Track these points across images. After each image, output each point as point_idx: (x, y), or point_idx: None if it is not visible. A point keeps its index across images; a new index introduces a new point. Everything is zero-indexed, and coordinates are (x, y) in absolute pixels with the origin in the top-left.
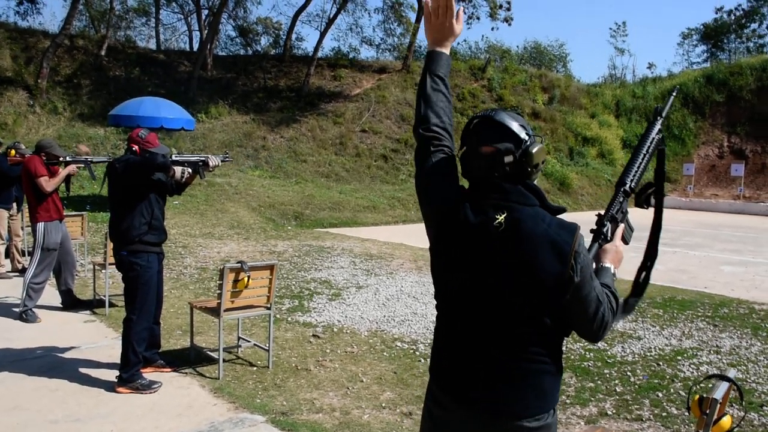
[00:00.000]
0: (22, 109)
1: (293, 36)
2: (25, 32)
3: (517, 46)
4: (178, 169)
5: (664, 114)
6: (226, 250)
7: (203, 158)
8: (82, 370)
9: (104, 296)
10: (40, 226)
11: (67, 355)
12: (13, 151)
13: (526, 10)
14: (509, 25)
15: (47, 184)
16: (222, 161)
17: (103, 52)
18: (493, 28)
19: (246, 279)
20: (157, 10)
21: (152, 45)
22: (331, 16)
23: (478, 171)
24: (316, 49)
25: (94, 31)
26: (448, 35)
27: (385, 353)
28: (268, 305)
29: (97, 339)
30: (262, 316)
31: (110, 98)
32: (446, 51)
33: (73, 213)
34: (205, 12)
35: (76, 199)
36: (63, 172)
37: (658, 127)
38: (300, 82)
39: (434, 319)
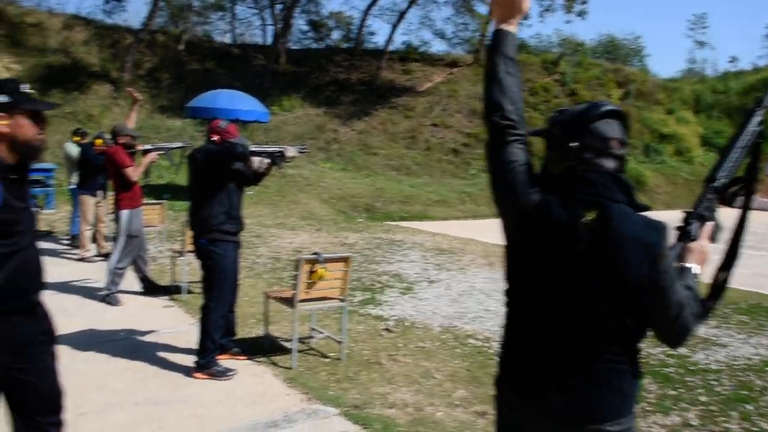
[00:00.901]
0: (107, 102)
1: (364, 30)
2: (111, 29)
3: (591, 40)
4: (256, 160)
5: (765, 104)
6: (298, 241)
7: (281, 149)
8: (161, 354)
9: (182, 283)
10: (124, 213)
11: (147, 338)
12: (99, 140)
13: (601, 1)
14: (583, 18)
15: (133, 173)
16: (299, 152)
17: (181, 47)
18: (568, 21)
19: (321, 270)
20: (233, 5)
21: (228, 39)
22: (403, 9)
23: (562, 165)
24: (387, 42)
25: (174, 26)
26: (515, 12)
27: (457, 350)
28: (342, 297)
29: (175, 324)
30: (336, 308)
31: (188, 91)
32: (514, 30)
33: (153, 201)
34: (279, 6)
35: (154, 187)
36: (145, 160)
37: (758, 119)
38: (371, 75)
39: None
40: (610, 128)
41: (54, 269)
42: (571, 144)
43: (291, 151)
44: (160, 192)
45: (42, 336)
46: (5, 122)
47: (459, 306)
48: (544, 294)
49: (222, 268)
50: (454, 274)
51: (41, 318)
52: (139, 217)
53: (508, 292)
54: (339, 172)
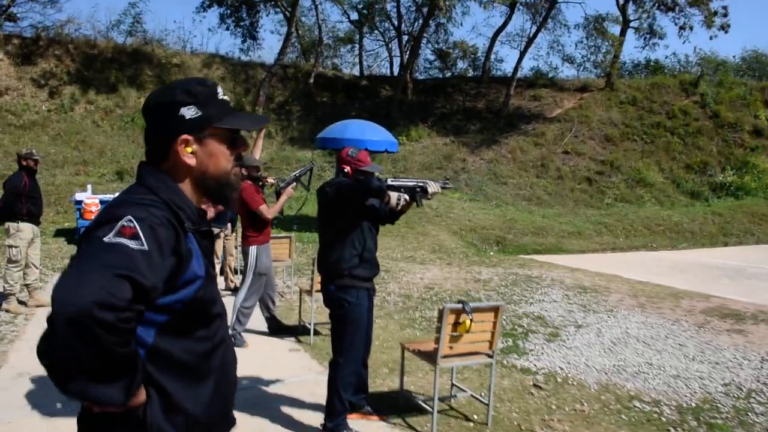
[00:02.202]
0: (243, 134)
1: (492, 57)
2: (246, 65)
3: (734, 57)
4: (393, 195)
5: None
6: (429, 276)
7: (422, 183)
8: (286, 410)
9: (309, 324)
10: (253, 249)
11: (272, 389)
12: None
13: (745, 13)
14: (726, 32)
15: (268, 212)
16: (443, 188)
17: (311, 80)
18: (711, 37)
19: (468, 322)
20: (361, 39)
21: (356, 71)
22: (531, 34)
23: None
24: (515, 69)
25: (305, 60)
26: None
27: (623, 415)
28: (491, 352)
29: (302, 372)
30: (482, 364)
31: (317, 123)
32: None
33: (281, 235)
34: (405, 37)
35: (283, 219)
36: (282, 198)
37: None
38: (499, 103)
39: (675, 373)
40: None
41: None
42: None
43: (433, 187)
44: (288, 224)
45: None
46: (191, 149)
47: (615, 358)
48: None
49: (354, 318)
50: (603, 317)
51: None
52: (268, 254)
53: None
54: (468, 202)
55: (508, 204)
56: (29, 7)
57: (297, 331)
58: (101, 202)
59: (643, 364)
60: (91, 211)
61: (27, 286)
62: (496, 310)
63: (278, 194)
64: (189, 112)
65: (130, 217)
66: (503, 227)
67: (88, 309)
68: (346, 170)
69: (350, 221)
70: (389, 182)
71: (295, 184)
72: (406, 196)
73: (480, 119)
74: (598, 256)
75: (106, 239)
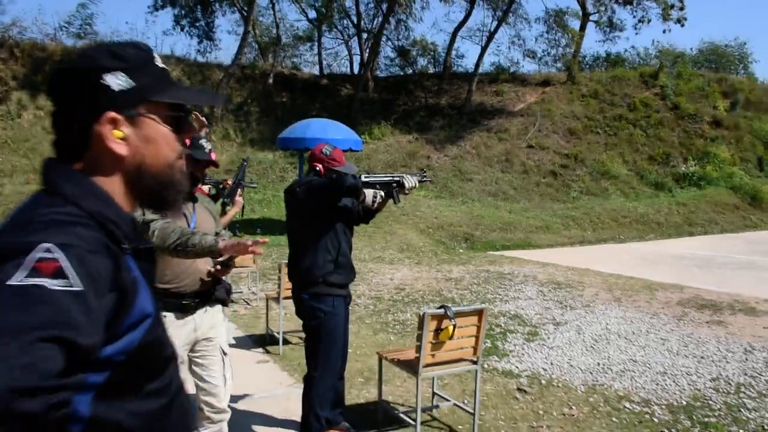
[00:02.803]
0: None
1: (453, 52)
2: (203, 66)
3: (691, 49)
4: (369, 193)
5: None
6: (399, 276)
7: (398, 177)
8: (257, 429)
9: (278, 333)
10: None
11: (240, 406)
12: None
13: (701, 7)
14: (682, 26)
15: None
16: (420, 182)
17: (270, 80)
18: (665, 31)
19: (450, 328)
20: (320, 37)
21: (315, 71)
22: (492, 29)
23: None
24: (477, 64)
25: (263, 60)
26: None
27: (613, 418)
28: (475, 359)
29: (271, 386)
30: (466, 371)
31: (277, 123)
32: None
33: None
34: (365, 35)
35: (246, 222)
36: (232, 211)
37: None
38: (461, 99)
39: (662, 370)
40: None
41: None
42: None
43: (410, 181)
44: (253, 227)
45: None
46: (121, 132)
47: (598, 356)
48: None
49: (330, 329)
50: (581, 314)
51: None
52: None
53: None
54: (434, 199)
55: (474, 200)
56: None
57: (265, 341)
58: None
59: (628, 362)
60: None
61: None
62: (480, 313)
63: (224, 205)
64: (117, 80)
65: (47, 245)
66: (470, 224)
67: (2, 401)
68: (317, 168)
69: (323, 223)
70: (363, 179)
71: (240, 191)
72: (382, 193)
73: (443, 116)
74: (568, 250)
75: (13, 283)
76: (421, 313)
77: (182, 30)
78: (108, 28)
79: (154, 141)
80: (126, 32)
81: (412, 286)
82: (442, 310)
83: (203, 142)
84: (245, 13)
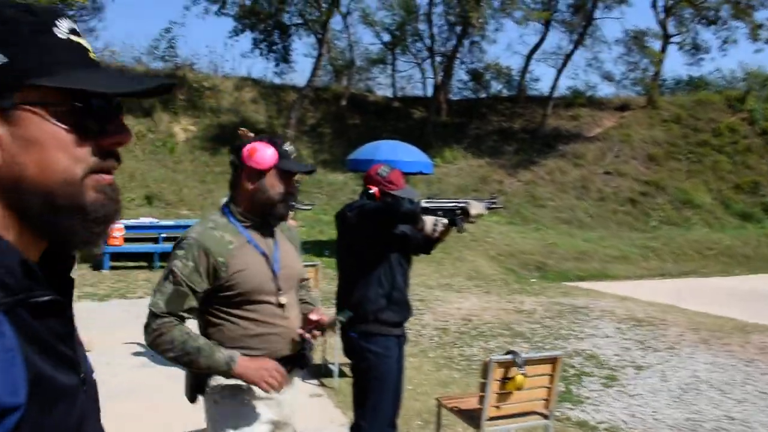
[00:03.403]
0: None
1: (527, 76)
2: (278, 88)
3: None
4: (429, 220)
5: None
6: (467, 306)
7: (462, 204)
8: None
9: (334, 364)
10: None
11: None
12: None
13: None
14: None
15: None
16: (488, 209)
17: (344, 102)
18: (757, 51)
19: (519, 378)
20: (393, 60)
21: (389, 93)
22: (568, 52)
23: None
24: (552, 88)
25: (337, 83)
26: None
27: None
28: (547, 412)
29: (323, 423)
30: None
31: (349, 145)
32: None
33: (307, 263)
34: (439, 58)
35: (315, 243)
36: None
37: None
38: (535, 123)
39: None
40: None
41: None
42: None
43: (476, 207)
44: (320, 248)
45: None
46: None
47: (687, 408)
48: None
49: (380, 373)
50: (665, 357)
51: None
52: None
53: None
54: (506, 225)
55: (548, 227)
56: None
57: (320, 372)
58: (126, 227)
59: (723, 418)
60: (114, 237)
61: None
62: (554, 361)
63: None
64: None
65: None
66: (543, 252)
67: None
68: (372, 191)
69: (376, 253)
70: (423, 204)
71: (293, 213)
72: (444, 221)
73: (516, 140)
74: (647, 283)
75: None
76: (486, 359)
77: (261, 53)
78: (189, 51)
79: (38, 144)
80: (205, 54)
81: (480, 317)
82: (510, 357)
83: (287, 147)
84: (320, 37)
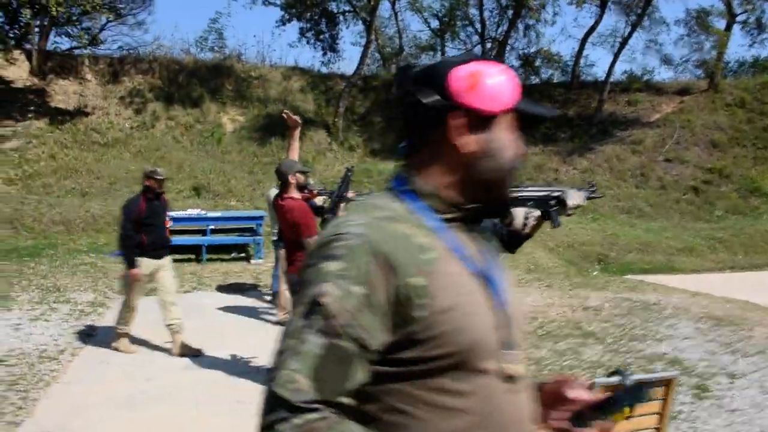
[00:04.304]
0: (322, 147)
1: (581, 60)
2: (326, 77)
3: None
4: (519, 212)
5: None
6: (529, 302)
7: (557, 192)
8: None
9: None
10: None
11: None
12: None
13: None
14: None
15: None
16: (588, 198)
17: (393, 90)
18: None
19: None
20: (443, 47)
21: None
22: (625, 35)
23: None
24: (608, 72)
25: (385, 71)
26: None
27: None
28: None
29: None
30: None
31: (399, 134)
32: None
33: None
34: (489, 44)
35: None
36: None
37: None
38: (590, 109)
39: None
40: None
41: (248, 335)
42: None
43: (575, 197)
44: None
45: None
46: None
47: None
48: None
49: None
50: (759, 363)
51: None
52: None
53: None
54: (563, 216)
55: (607, 217)
56: (118, 31)
57: None
58: (173, 219)
59: None
60: None
61: (169, 327)
62: (668, 384)
63: (324, 222)
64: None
65: None
66: (604, 243)
67: None
68: None
69: None
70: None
71: (344, 205)
72: (537, 213)
73: (571, 126)
74: (718, 277)
75: None
76: (591, 381)
77: (307, 42)
78: (236, 42)
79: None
80: (252, 45)
81: (546, 314)
82: (616, 379)
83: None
84: (368, 24)
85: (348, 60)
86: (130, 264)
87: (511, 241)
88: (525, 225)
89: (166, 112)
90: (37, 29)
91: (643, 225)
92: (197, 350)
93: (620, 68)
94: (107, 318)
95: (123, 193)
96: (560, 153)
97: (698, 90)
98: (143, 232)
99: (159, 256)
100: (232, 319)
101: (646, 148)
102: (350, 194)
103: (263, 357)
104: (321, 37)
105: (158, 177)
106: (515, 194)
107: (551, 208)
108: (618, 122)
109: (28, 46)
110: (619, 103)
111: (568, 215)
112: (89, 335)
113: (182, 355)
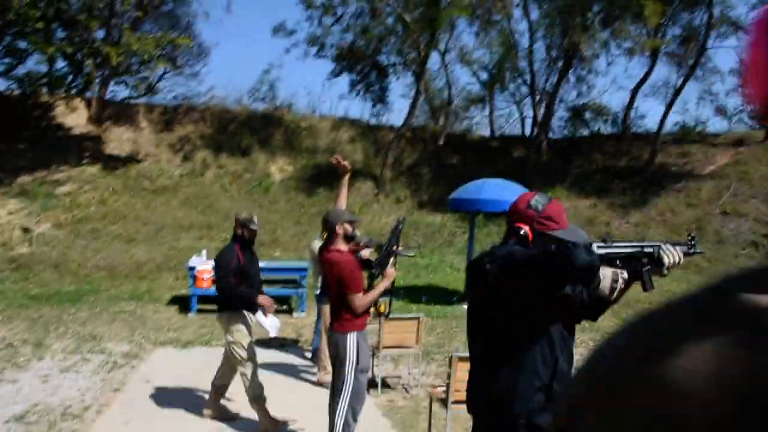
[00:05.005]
0: (368, 199)
1: (632, 112)
2: (375, 128)
3: None
4: (606, 274)
5: None
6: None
7: (650, 248)
8: None
9: None
10: (351, 337)
11: None
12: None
13: None
14: None
15: (360, 303)
16: (687, 254)
17: (441, 142)
18: None
19: None
20: (491, 99)
21: (487, 132)
22: (678, 85)
23: None
24: (661, 123)
25: (434, 122)
26: None
27: None
28: None
29: None
30: None
31: (447, 185)
32: None
33: (407, 315)
34: (538, 96)
35: (406, 288)
36: (381, 285)
37: None
38: (641, 161)
39: None
40: None
41: (288, 395)
42: None
43: (672, 254)
44: (417, 294)
45: None
46: None
47: None
48: None
49: None
50: None
51: None
52: (367, 345)
53: None
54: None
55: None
56: (174, 81)
57: None
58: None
59: None
60: (203, 279)
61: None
62: None
63: (372, 277)
64: None
65: None
66: (662, 301)
67: None
68: (522, 231)
69: (531, 324)
70: (596, 249)
71: (393, 259)
72: (625, 274)
73: (621, 179)
74: None
75: None
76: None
77: (357, 94)
78: (287, 92)
79: None
80: (303, 96)
81: None
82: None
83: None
84: (417, 76)
85: (397, 111)
86: (251, 306)
87: (595, 306)
88: (613, 289)
89: (215, 160)
90: (97, 79)
91: (702, 281)
92: (233, 415)
93: (672, 119)
94: (140, 371)
95: (168, 240)
96: (612, 206)
97: (754, 141)
98: (243, 284)
99: (255, 310)
100: (269, 378)
101: (701, 201)
102: (400, 247)
103: (302, 420)
104: (371, 89)
105: (253, 227)
106: (602, 252)
107: (643, 267)
108: (671, 174)
109: (88, 94)
110: (671, 154)
111: (664, 275)
112: (117, 390)
113: (214, 418)
